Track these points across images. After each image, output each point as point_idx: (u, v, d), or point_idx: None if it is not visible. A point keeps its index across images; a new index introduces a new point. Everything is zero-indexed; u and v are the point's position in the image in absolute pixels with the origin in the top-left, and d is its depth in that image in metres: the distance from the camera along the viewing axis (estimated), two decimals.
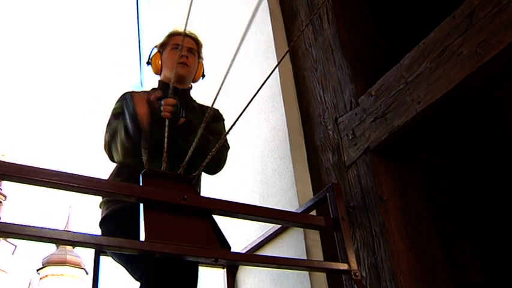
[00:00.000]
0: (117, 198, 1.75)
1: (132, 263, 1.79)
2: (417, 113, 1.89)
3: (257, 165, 2.54)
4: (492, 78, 1.77)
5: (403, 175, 2.13)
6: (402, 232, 1.96)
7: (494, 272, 2.47)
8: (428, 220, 2.14)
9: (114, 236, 1.55)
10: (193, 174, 1.76)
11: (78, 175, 1.49)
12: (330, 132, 2.31)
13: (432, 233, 2.12)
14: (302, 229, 2.15)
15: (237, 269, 2.54)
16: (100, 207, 2.00)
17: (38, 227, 1.36)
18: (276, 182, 2.37)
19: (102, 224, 1.94)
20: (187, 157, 1.74)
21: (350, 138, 2.18)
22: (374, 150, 2.07)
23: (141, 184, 1.64)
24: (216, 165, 2.04)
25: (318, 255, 2.13)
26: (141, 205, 1.57)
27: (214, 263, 1.76)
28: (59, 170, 1.48)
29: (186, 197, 1.61)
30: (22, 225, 1.35)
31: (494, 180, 2.75)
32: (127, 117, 1.82)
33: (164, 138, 1.74)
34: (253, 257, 2.06)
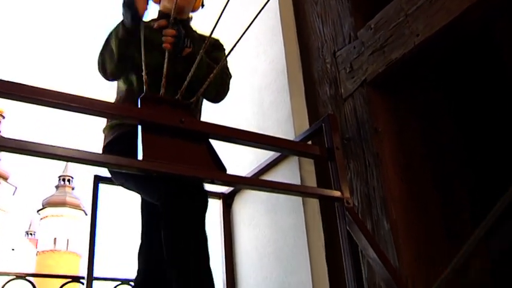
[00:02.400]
0: (117, 120, 1.77)
1: (147, 188, 1.82)
2: (415, 45, 1.88)
3: (254, 98, 2.55)
4: (494, 9, 1.75)
5: (400, 109, 2.14)
6: (395, 163, 1.99)
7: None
8: (424, 156, 2.16)
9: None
10: (192, 100, 1.78)
11: (79, 96, 1.51)
12: (328, 66, 2.31)
13: (427, 170, 2.15)
14: (297, 160, 2.18)
15: (232, 200, 2.60)
16: (104, 132, 1.99)
17: (36, 143, 1.38)
18: (273, 114, 2.39)
19: (107, 148, 1.94)
20: (185, 82, 1.75)
21: (348, 71, 2.18)
22: (371, 83, 2.07)
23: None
24: (219, 92, 2.05)
25: (312, 185, 2.17)
26: (139, 127, 1.59)
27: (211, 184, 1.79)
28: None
29: (183, 120, 1.64)
30: (21, 140, 1.37)
31: (497, 121, 2.74)
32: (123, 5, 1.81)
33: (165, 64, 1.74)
34: (248, 180, 2.10)
